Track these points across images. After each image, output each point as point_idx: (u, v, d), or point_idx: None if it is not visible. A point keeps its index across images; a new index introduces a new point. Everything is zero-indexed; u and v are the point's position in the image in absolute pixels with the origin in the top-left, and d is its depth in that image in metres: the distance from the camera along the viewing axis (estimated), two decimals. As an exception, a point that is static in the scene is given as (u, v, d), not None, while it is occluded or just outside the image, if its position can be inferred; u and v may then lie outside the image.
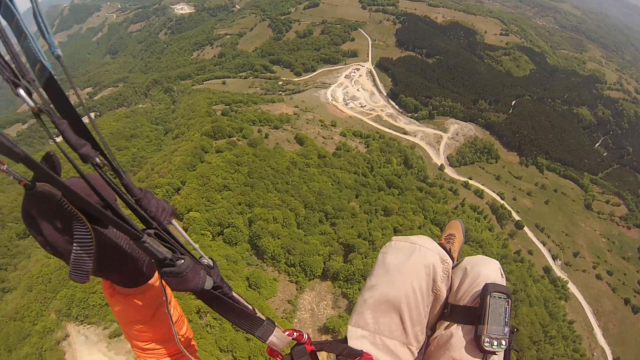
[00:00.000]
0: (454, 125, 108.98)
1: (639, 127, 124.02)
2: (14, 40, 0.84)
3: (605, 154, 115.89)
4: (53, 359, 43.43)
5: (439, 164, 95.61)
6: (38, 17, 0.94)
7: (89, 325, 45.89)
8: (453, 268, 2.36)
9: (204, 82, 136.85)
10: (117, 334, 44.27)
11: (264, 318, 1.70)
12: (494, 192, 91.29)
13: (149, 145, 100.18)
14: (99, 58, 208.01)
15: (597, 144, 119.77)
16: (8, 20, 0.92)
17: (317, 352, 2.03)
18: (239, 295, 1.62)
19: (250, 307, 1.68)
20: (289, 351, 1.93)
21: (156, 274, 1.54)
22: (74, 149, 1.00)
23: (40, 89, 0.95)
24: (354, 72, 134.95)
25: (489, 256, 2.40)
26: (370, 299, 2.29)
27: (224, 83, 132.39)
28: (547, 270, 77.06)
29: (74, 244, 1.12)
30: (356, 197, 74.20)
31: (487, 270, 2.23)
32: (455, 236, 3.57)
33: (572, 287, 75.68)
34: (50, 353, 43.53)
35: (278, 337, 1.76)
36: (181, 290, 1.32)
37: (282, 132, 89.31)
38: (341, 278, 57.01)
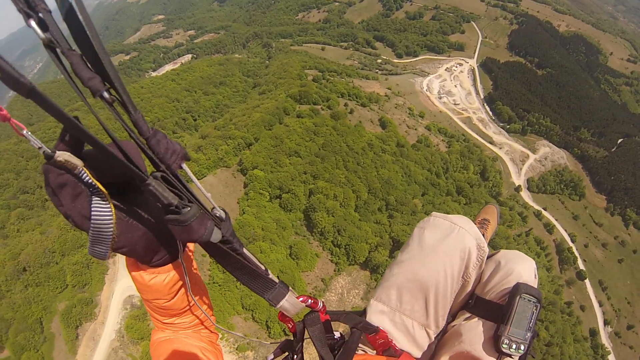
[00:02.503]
0: (545, 148, 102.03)
1: None
2: None
3: None
4: (97, 271, 48.28)
5: (517, 185, 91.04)
6: None
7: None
8: (487, 258, 2.27)
9: (303, 44, 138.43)
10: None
11: (276, 280, 1.64)
12: (566, 231, 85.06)
13: (235, 95, 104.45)
14: (207, 4, 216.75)
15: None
16: None
17: (331, 322, 2.05)
18: (251, 254, 1.55)
19: (263, 267, 1.60)
20: (302, 318, 1.93)
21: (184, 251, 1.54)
22: (83, 82, 0.93)
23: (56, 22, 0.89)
24: (456, 67, 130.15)
25: None
26: (400, 274, 2.26)
27: (323, 49, 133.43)
28: (594, 333, 70.93)
29: (92, 219, 1.10)
30: (422, 195, 73.61)
31: (521, 268, 2.14)
32: (489, 222, 3.52)
33: (611, 360, 69.53)
34: (96, 266, 48.32)
35: (290, 303, 1.71)
36: (185, 240, 1.27)
37: (368, 112, 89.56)
38: (380, 272, 55.60)
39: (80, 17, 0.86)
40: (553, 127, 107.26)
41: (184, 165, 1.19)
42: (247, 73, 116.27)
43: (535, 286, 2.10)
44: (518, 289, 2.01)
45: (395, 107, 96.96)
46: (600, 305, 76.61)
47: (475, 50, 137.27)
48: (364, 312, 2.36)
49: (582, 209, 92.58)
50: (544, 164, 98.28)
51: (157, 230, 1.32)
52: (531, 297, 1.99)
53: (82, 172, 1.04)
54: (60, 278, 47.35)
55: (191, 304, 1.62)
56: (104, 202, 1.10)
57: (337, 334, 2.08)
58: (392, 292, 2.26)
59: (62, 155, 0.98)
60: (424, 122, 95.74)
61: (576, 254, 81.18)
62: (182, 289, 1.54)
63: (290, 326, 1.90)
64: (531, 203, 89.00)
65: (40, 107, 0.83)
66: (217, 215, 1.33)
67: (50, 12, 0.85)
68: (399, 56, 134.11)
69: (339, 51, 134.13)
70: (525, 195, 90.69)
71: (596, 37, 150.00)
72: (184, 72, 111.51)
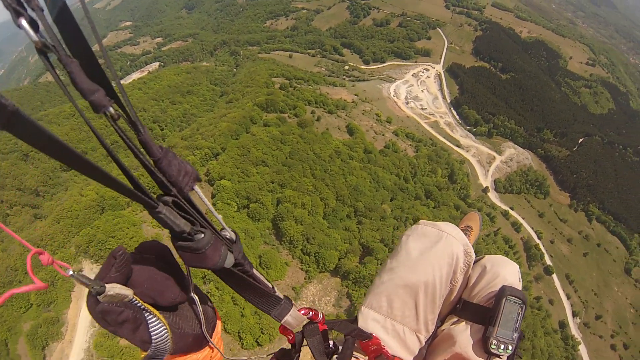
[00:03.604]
0: (510, 150, 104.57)
1: None
2: None
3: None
4: (63, 289, 46.19)
5: (484, 186, 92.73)
6: None
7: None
8: (473, 263, 2.35)
9: (271, 52, 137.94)
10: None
11: (282, 297, 1.65)
12: (532, 228, 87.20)
13: (202, 104, 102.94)
14: (175, 11, 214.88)
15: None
16: None
17: (328, 331, 2.06)
18: (260, 273, 1.54)
19: (270, 285, 1.60)
20: (301, 329, 1.92)
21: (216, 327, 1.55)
22: (84, 96, 0.80)
23: (51, 21, 0.77)
24: (423, 72, 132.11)
25: None
26: (389, 281, 2.30)
27: (290, 57, 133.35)
28: (563, 325, 72.97)
29: (152, 343, 1.11)
30: (391, 200, 73.47)
31: (506, 272, 2.22)
32: (472, 229, 3.63)
33: (582, 350, 71.57)
34: (61, 283, 46.29)
35: (294, 317, 1.73)
36: (198, 267, 1.20)
37: (335, 119, 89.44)
38: (351, 278, 56.25)
39: (74, 19, 0.77)
40: (517, 129, 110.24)
41: (196, 187, 1.11)
42: (214, 81, 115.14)
43: (520, 289, 2.17)
44: (504, 291, 2.09)
45: (363, 114, 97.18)
46: (568, 297, 78.78)
47: (441, 56, 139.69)
48: (355, 320, 2.36)
49: (547, 207, 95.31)
50: (509, 165, 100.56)
51: (200, 327, 1.35)
52: (517, 299, 2.06)
53: (134, 299, 1.04)
54: (24, 297, 45.13)
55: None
56: (158, 324, 1.10)
57: (330, 342, 2.08)
58: (382, 298, 2.30)
59: (113, 289, 0.97)
60: (392, 128, 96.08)
61: (543, 250, 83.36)
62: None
63: (290, 338, 1.92)
64: (499, 203, 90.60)
65: (17, 136, 0.65)
66: (228, 237, 1.27)
67: (42, 10, 0.72)
68: (366, 62, 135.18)
69: (306, 58, 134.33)
70: (492, 196, 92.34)
71: (556, 42, 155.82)
72: (151, 80, 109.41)
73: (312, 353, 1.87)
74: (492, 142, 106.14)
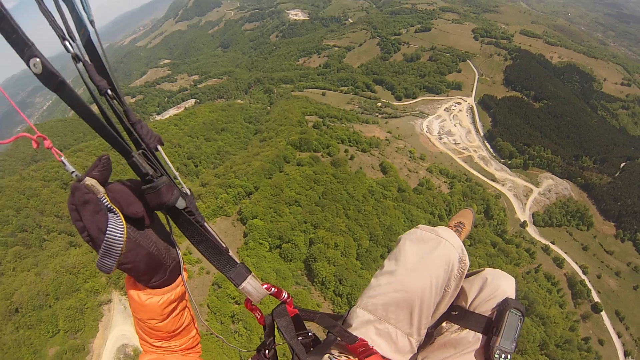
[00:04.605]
0: (548, 181, 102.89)
1: None
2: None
3: None
4: (91, 317, 47.42)
5: (522, 220, 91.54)
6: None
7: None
8: (473, 275, 2.43)
9: (304, 90, 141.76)
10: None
11: (237, 261, 1.74)
12: (576, 263, 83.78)
13: (236, 142, 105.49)
14: (211, 49, 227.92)
15: None
16: None
17: (303, 320, 2.16)
18: (213, 230, 1.71)
19: (224, 245, 1.72)
20: (270, 312, 2.04)
21: (179, 278, 1.65)
22: (94, 82, 1.23)
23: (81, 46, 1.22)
24: (455, 106, 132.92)
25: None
26: (387, 285, 2.33)
27: (323, 94, 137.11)
28: None
29: (107, 233, 1.28)
30: (425, 240, 73.70)
31: (506, 285, 2.30)
32: (464, 226, 3.68)
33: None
34: (90, 311, 47.82)
35: (253, 286, 1.79)
36: (155, 203, 1.42)
37: (369, 157, 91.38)
38: None
39: (94, 45, 1.26)
40: (554, 159, 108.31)
41: (160, 148, 1.46)
42: (248, 119, 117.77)
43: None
44: (508, 303, 2.18)
45: (396, 151, 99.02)
46: (619, 336, 74.58)
47: (472, 88, 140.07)
48: (341, 317, 2.50)
49: (591, 239, 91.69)
50: (548, 196, 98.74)
51: (159, 254, 1.52)
52: (518, 311, 2.14)
53: (103, 197, 1.28)
54: (52, 322, 46.35)
55: (181, 328, 1.77)
56: (119, 220, 1.31)
57: (310, 333, 2.20)
58: (378, 301, 2.33)
59: (90, 181, 1.25)
60: (425, 165, 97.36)
61: (589, 286, 79.55)
62: (174, 312, 1.68)
63: (259, 316, 2.06)
64: (538, 238, 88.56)
65: (65, 101, 1.15)
66: (184, 191, 1.54)
67: (75, 39, 1.19)
68: (399, 99, 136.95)
69: (339, 96, 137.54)
70: (531, 230, 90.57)
71: (589, 65, 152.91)
72: (186, 117, 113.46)
73: (282, 334, 1.99)
74: (528, 174, 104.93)
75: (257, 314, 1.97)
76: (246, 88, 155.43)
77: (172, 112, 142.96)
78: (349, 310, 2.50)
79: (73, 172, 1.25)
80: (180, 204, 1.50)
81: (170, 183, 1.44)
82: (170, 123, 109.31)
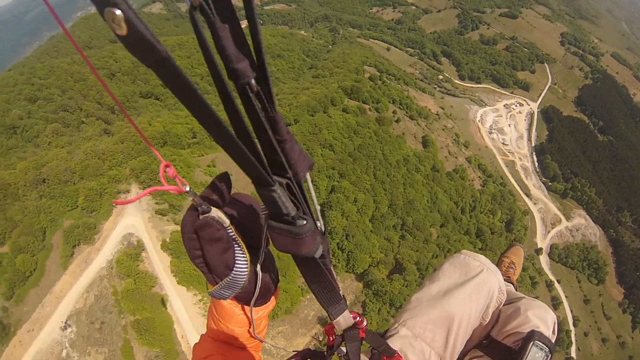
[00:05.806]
0: (581, 219, 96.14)
1: None
2: None
3: None
4: (107, 202, 49.00)
5: (539, 247, 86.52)
6: None
7: (148, 196, 49.72)
8: (509, 303, 2.38)
9: (370, 39, 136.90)
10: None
11: (342, 296, 1.60)
12: (571, 312, 79.14)
13: (289, 71, 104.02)
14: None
15: None
16: None
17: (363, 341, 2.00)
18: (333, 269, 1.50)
19: (336, 282, 1.54)
20: (342, 333, 1.87)
21: (273, 296, 1.56)
22: (228, 61, 0.78)
23: None
24: (516, 106, 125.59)
25: None
26: (428, 305, 2.32)
27: (388, 49, 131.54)
28: None
29: (233, 270, 1.16)
30: (441, 226, 71.16)
31: (539, 317, 2.21)
32: (516, 266, 3.61)
33: None
34: (108, 196, 49.15)
35: (345, 318, 1.69)
36: (291, 252, 1.19)
37: (414, 125, 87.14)
38: (373, 289, 55.27)
39: None
40: (596, 200, 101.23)
41: (307, 175, 1.12)
42: (307, 52, 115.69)
43: (552, 340, 2.16)
44: (532, 335, 2.08)
45: (443, 129, 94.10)
46: None
47: (540, 94, 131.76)
48: (384, 334, 2.39)
49: (596, 295, 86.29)
50: (574, 234, 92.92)
51: (269, 280, 1.43)
52: (544, 345, 2.04)
53: (229, 229, 1.11)
54: (73, 198, 49.06)
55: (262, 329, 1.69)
56: (243, 256, 1.18)
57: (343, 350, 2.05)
58: (417, 319, 2.32)
59: (216, 212, 1.06)
60: (467, 153, 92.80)
61: (573, 339, 74.96)
62: (261, 323, 1.62)
63: (332, 339, 1.95)
64: (547, 270, 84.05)
65: (166, 83, 0.69)
66: (321, 229, 1.28)
67: None
68: (462, 78, 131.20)
69: (403, 56, 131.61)
70: (543, 260, 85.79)
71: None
72: (246, 35, 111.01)
73: (348, 356, 1.87)
74: (563, 204, 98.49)
75: (331, 337, 1.92)
76: (312, 21, 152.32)
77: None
78: (389, 327, 2.49)
79: (200, 204, 1.05)
80: (319, 252, 1.27)
81: (315, 230, 1.18)
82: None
